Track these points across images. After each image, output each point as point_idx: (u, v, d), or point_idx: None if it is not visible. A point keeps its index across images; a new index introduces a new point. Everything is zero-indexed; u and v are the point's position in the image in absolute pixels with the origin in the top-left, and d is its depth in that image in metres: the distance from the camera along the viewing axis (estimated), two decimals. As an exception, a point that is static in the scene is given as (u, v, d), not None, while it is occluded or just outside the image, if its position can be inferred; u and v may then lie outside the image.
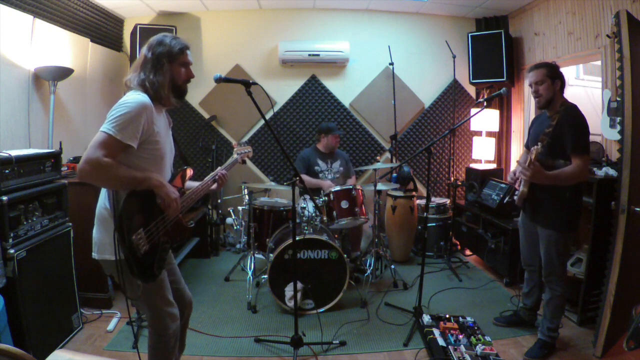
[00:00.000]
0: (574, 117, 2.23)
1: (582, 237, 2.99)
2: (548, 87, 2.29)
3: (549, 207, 2.32)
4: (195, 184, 1.85)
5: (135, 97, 1.50)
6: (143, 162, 1.56)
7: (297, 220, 3.06)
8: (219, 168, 1.94)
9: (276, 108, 4.55)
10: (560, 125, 2.23)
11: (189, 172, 1.83)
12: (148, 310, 1.71)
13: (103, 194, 1.61)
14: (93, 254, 1.62)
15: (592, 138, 2.37)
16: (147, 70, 1.59)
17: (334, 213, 3.22)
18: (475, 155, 4.62)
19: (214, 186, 1.90)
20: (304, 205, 3.19)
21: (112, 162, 1.42)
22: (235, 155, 2.10)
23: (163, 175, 1.66)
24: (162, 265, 1.63)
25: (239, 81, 1.98)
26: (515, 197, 2.38)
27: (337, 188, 3.30)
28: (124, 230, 1.44)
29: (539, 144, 2.19)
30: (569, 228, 2.32)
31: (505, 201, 2.58)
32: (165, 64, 1.61)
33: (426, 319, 2.67)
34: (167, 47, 1.61)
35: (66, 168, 2.97)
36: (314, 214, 3.11)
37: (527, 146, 2.57)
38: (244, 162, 2.17)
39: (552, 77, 2.28)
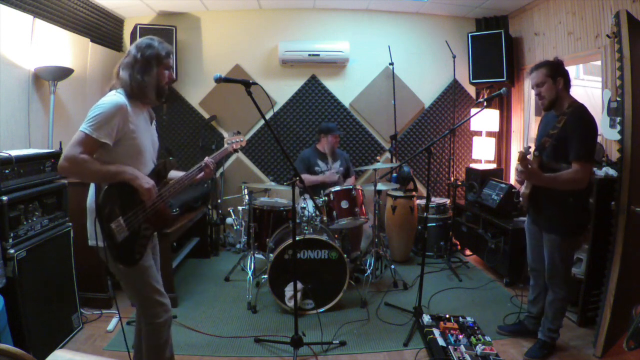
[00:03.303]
0: (580, 121, 2.13)
1: (582, 237, 2.99)
2: (549, 87, 2.20)
3: (551, 211, 2.28)
4: (180, 173, 1.90)
5: (111, 99, 1.62)
6: (121, 157, 1.66)
7: (297, 220, 3.06)
8: (206, 158, 1.96)
9: (276, 108, 4.55)
10: (566, 129, 2.14)
11: (172, 163, 1.88)
12: (137, 297, 1.80)
13: (92, 188, 1.70)
14: (88, 241, 1.75)
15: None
16: (136, 71, 1.67)
17: (334, 213, 3.22)
18: (475, 155, 4.62)
19: (200, 175, 1.92)
20: (304, 205, 3.19)
21: (88, 158, 1.55)
22: (225, 145, 2.11)
23: (143, 167, 1.74)
24: (142, 251, 1.72)
25: (239, 81, 1.99)
26: (521, 199, 2.36)
27: (337, 188, 3.30)
28: (103, 219, 1.57)
29: (536, 152, 2.16)
30: (571, 233, 2.27)
31: (514, 202, 2.56)
32: (154, 67, 1.70)
33: (426, 319, 2.67)
34: (155, 50, 1.71)
35: (66, 168, 2.97)
36: (314, 214, 3.11)
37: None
38: (236, 151, 2.18)
39: (553, 76, 2.19)
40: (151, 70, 1.69)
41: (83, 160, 1.53)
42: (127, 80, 1.67)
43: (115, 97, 1.63)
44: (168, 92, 1.82)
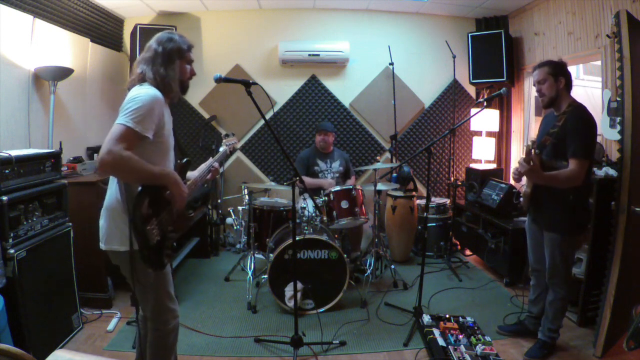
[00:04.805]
0: (579, 120, 2.16)
1: (582, 237, 2.99)
2: (551, 85, 2.24)
3: (551, 209, 2.29)
4: (195, 173, 1.91)
5: (148, 91, 1.54)
6: (152, 155, 1.58)
7: (297, 220, 3.06)
8: (210, 159, 1.98)
9: (276, 108, 4.55)
10: (566, 127, 2.17)
11: (189, 163, 1.88)
12: (151, 303, 1.72)
13: (113, 186, 1.62)
14: (100, 244, 1.64)
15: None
16: (158, 64, 1.63)
17: (334, 213, 3.22)
18: (475, 155, 4.62)
19: (209, 176, 1.96)
20: (304, 205, 3.19)
21: (132, 155, 1.43)
22: (224, 147, 2.15)
23: (169, 165, 1.71)
24: (170, 254, 1.67)
25: (239, 81, 1.99)
26: (521, 199, 2.37)
27: (337, 188, 3.29)
28: (138, 221, 1.48)
29: (537, 150, 2.18)
30: (572, 232, 2.28)
31: (514, 202, 2.56)
32: (176, 60, 1.67)
33: (426, 319, 2.67)
34: (177, 43, 1.67)
35: (66, 168, 2.97)
36: (314, 214, 3.11)
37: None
38: (232, 152, 2.22)
39: (555, 74, 2.23)
40: (173, 64, 1.65)
41: (129, 158, 1.41)
42: (151, 74, 1.61)
43: (150, 89, 1.56)
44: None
